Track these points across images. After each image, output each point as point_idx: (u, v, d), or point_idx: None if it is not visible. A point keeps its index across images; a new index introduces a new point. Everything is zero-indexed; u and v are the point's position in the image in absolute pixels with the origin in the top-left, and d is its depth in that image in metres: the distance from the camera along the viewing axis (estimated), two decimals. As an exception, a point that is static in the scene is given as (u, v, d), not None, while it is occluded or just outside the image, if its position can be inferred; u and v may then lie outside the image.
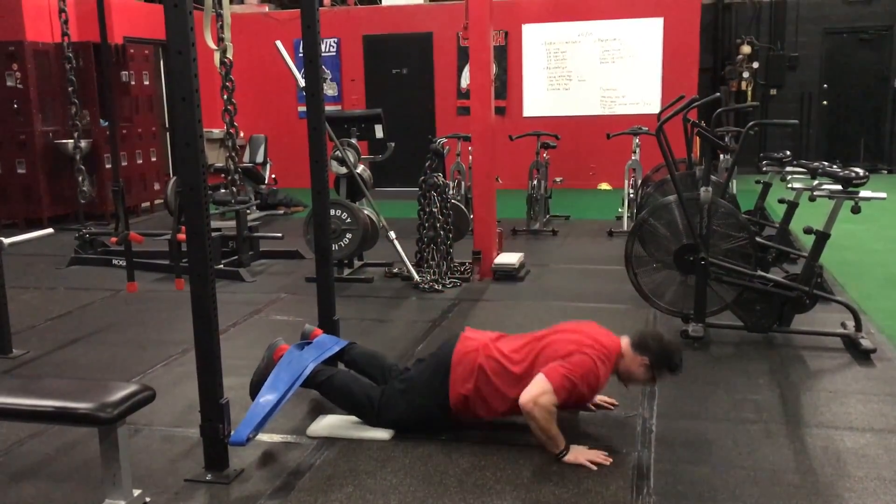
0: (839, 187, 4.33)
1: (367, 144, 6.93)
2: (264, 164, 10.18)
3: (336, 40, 11.88)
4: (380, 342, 4.57)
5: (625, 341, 3.30)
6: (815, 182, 4.77)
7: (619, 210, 8.40)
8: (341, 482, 2.98)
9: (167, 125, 11.02)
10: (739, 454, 3.17)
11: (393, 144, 6.77)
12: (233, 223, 6.82)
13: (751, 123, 5.18)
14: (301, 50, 4.08)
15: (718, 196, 4.80)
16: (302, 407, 3.66)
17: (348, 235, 6.12)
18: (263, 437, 3.31)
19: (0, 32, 8.99)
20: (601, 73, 11.25)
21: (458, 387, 3.27)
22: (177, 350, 4.55)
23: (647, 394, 3.76)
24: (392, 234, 6.15)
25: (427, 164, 6.20)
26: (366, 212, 6.29)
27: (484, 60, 6.03)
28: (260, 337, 4.70)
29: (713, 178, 4.81)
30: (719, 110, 5.89)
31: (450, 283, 6.03)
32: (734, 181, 6.95)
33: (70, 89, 6.88)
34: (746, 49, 12.18)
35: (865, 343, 4.29)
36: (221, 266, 6.42)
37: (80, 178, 7.17)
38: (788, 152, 6.16)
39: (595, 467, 3.04)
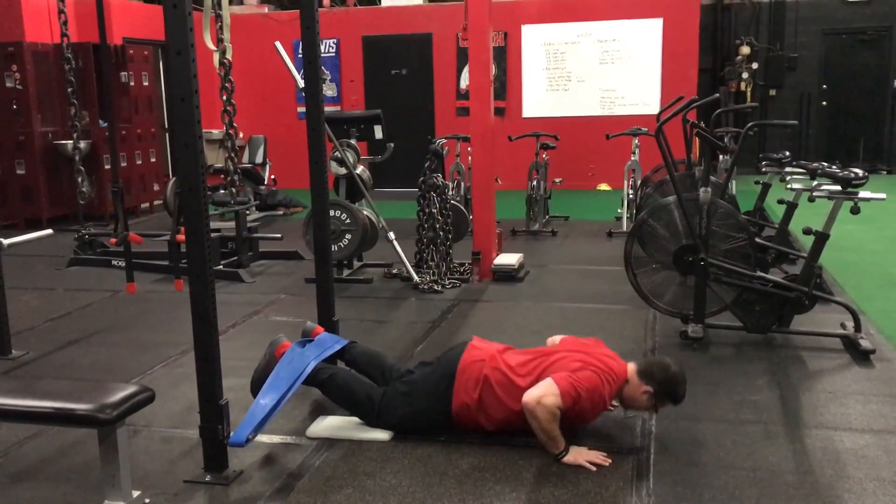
0: (838, 188, 4.33)
1: (367, 145, 6.92)
2: (264, 164, 10.18)
3: (335, 41, 11.88)
4: (379, 343, 4.57)
5: (631, 367, 3.30)
6: (815, 183, 4.78)
7: (619, 211, 8.40)
8: (341, 483, 2.98)
9: (166, 126, 11.02)
10: (738, 455, 3.17)
11: (392, 145, 6.77)
12: (232, 224, 6.82)
13: (750, 124, 5.18)
14: (300, 51, 4.08)
15: (718, 197, 4.80)
16: (301, 408, 3.66)
17: (348, 236, 6.12)
18: (263, 438, 3.31)
19: (-1, 33, 9.01)
20: (600, 73, 11.26)
21: (462, 395, 3.27)
22: (176, 351, 4.54)
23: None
24: (391, 235, 6.15)
25: (426, 164, 6.20)
26: (365, 212, 6.29)
27: (483, 61, 6.03)
28: (259, 338, 4.70)
29: (712, 178, 4.81)
30: (718, 111, 5.89)
31: (449, 283, 6.03)
32: (733, 182, 6.95)
33: (69, 90, 6.87)
34: (746, 50, 12.18)
35: (865, 344, 4.29)
36: (221, 267, 6.42)
37: (80, 179, 7.16)
38: (788, 153, 6.17)
39: (594, 468, 3.04)
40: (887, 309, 5.22)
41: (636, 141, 8.50)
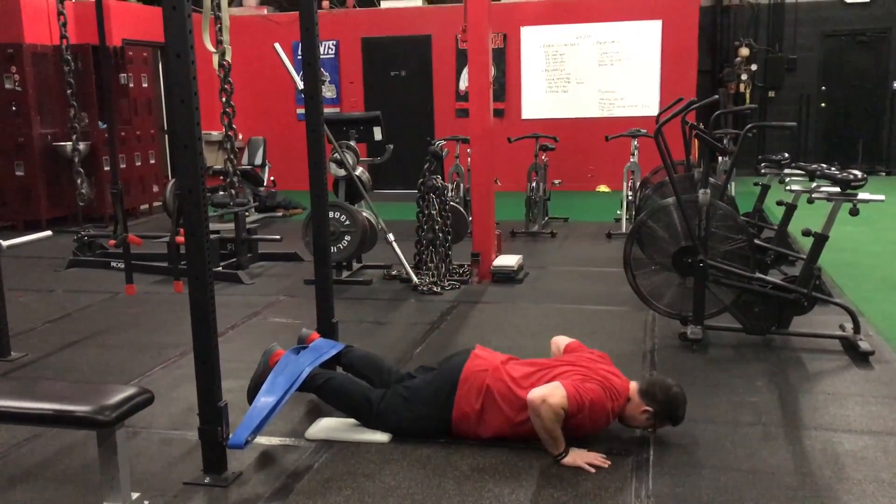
0: (837, 189, 4.33)
1: (366, 147, 6.92)
2: (263, 166, 10.18)
3: (335, 43, 11.88)
4: (378, 344, 4.57)
5: (633, 386, 3.29)
6: (814, 184, 4.77)
7: (618, 212, 8.41)
8: (340, 484, 2.98)
9: (165, 127, 11.02)
10: (738, 456, 3.17)
11: (392, 147, 6.76)
12: (231, 225, 6.82)
13: (749, 126, 5.18)
14: (300, 52, 4.08)
15: (717, 198, 4.81)
16: (300, 409, 3.66)
17: (347, 238, 6.11)
18: (262, 439, 3.31)
19: (-1, 35, 9.01)
20: (600, 75, 11.26)
21: (464, 404, 3.26)
22: (175, 352, 4.54)
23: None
24: (391, 237, 6.15)
25: (426, 166, 6.20)
26: (364, 214, 6.29)
27: (482, 63, 6.04)
28: (259, 339, 4.70)
29: (711, 180, 4.81)
30: (717, 112, 5.90)
31: (448, 285, 6.03)
32: (733, 183, 6.95)
33: (69, 92, 6.88)
34: (745, 51, 12.19)
35: (864, 345, 4.29)
36: (220, 268, 6.42)
37: (79, 181, 7.17)
38: (787, 154, 6.17)
39: (594, 470, 3.04)
40: (886, 310, 5.22)
41: (635, 142, 8.50)
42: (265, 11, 12.38)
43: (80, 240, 7.14)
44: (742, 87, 12.17)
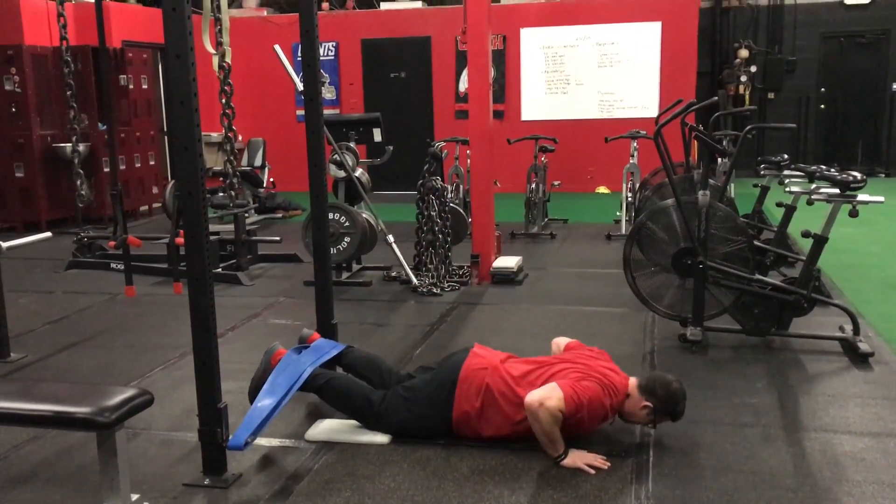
0: (837, 191, 4.33)
1: (366, 148, 6.92)
2: (263, 167, 10.18)
3: (335, 44, 11.89)
4: (378, 346, 4.57)
5: (632, 382, 3.29)
6: (813, 186, 4.78)
7: (618, 213, 8.40)
8: (339, 486, 2.98)
9: (165, 129, 11.02)
10: (737, 458, 3.17)
11: (391, 148, 6.76)
12: (231, 227, 6.82)
13: (748, 127, 5.19)
14: (299, 54, 4.08)
15: (716, 199, 4.81)
16: (300, 411, 3.66)
17: (347, 239, 6.11)
18: (262, 441, 3.31)
19: (-2, 36, 9.01)
20: (599, 76, 11.26)
21: (464, 403, 3.26)
22: (175, 354, 4.54)
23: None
24: (390, 238, 6.16)
25: (425, 167, 6.20)
26: (364, 215, 6.29)
27: (482, 64, 6.04)
28: (258, 341, 4.70)
29: (711, 181, 4.82)
30: (717, 114, 5.92)
31: (448, 286, 6.03)
32: (732, 185, 6.95)
33: (68, 93, 6.88)
34: (744, 53, 12.20)
35: (863, 347, 4.29)
36: (220, 270, 6.42)
37: (79, 182, 7.17)
38: (786, 156, 6.17)
39: (593, 471, 3.04)
40: (886, 312, 5.22)
41: (635, 144, 8.50)
42: (265, 13, 12.38)
43: (79, 241, 7.14)
44: (741, 88, 12.18)
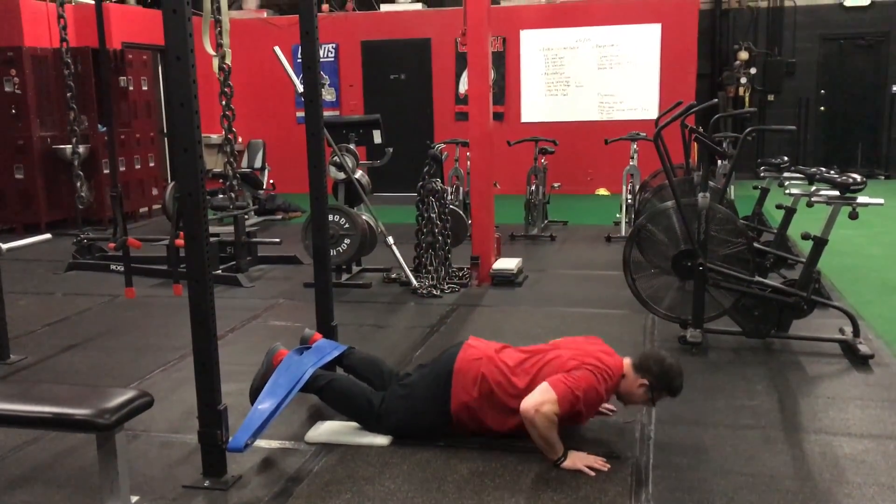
0: (837, 193, 4.33)
1: (366, 150, 6.92)
2: (262, 169, 10.18)
3: (334, 46, 11.89)
4: (378, 348, 4.56)
5: (627, 361, 3.30)
6: (813, 188, 4.78)
7: (617, 215, 8.41)
8: (339, 488, 2.98)
9: (165, 131, 11.03)
10: (737, 460, 3.17)
11: (391, 150, 6.77)
12: (231, 228, 6.82)
13: (748, 129, 5.19)
14: (300, 55, 4.08)
15: (716, 201, 4.81)
16: (300, 413, 3.66)
17: (346, 241, 6.11)
18: (261, 443, 3.31)
19: (-2, 38, 9.01)
20: (599, 78, 11.27)
21: (461, 394, 3.27)
22: (175, 356, 4.54)
23: (646, 399, 3.77)
24: (390, 240, 6.15)
25: (425, 169, 6.20)
26: (364, 217, 6.29)
27: (482, 66, 6.04)
28: (258, 342, 4.70)
29: (711, 183, 4.82)
30: (717, 116, 5.92)
31: (448, 288, 6.02)
32: (732, 187, 6.95)
33: (68, 94, 6.89)
34: (744, 55, 12.21)
35: (863, 349, 4.29)
36: (219, 271, 6.42)
37: (79, 184, 7.17)
38: (786, 158, 6.17)
39: (593, 473, 3.04)
40: (886, 314, 5.22)
41: (635, 146, 8.50)
42: (265, 15, 12.39)
43: (79, 243, 7.14)
44: (741, 90, 12.19)
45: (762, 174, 6.08)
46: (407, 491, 2.95)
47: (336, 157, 6.27)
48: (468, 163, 6.52)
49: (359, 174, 6.48)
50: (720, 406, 3.72)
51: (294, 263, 6.98)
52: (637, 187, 7.98)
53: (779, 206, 5.56)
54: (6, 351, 4.54)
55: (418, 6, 11.94)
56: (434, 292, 5.91)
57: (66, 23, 6.55)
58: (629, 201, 8.07)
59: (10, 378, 4.29)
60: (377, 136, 6.59)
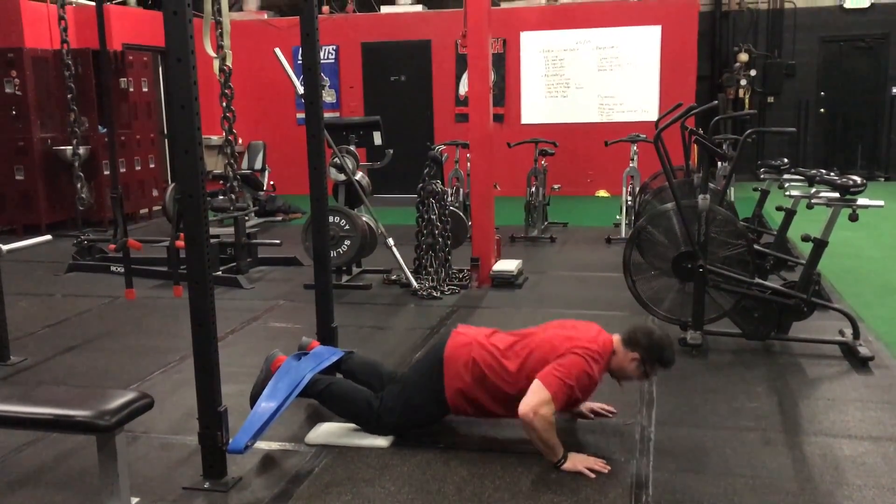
0: (837, 195, 4.33)
1: (366, 151, 6.93)
2: (263, 170, 10.18)
3: (335, 47, 11.90)
4: (378, 349, 4.57)
5: (616, 338, 3.30)
6: (813, 190, 4.78)
7: (617, 217, 8.41)
8: (339, 490, 2.98)
9: (165, 132, 11.03)
10: (738, 462, 3.17)
11: (391, 151, 6.77)
12: (231, 230, 6.82)
13: (748, 131, 5.19)
14: (300, 57, 4.09)
15: (716, 203, 4.81)
16: (300, 414, 3.66)
17: (347, 242, 6.12)
18: (262, 444, 3.31)
19: (-1, 39, 9.02)
20: (599, 80, 11.28)
21: (454, 381, 3.28)
22: (175, 357, 4.54)
23: (646, 401, 3.77)
24: (390, 241, 6.16)
25: (425, 171, 6.20)
26: (364, 219, 6.29)
27: (482, 68, 6.05)
28: (258, 344, 4.70)
29: (711, 185, 4.82)
30: (717, 118, 5.92)
31: (448, 290, 6.03)
32: (732, 188, 6.95)
33: (69, 96, 6.89)
34: (744, 57, 12.22)
35: (863, 351, 4.29)
36: (220, 273, 6.42)
37: (79, 185, 7.18)
38: (786, 160, 6.17)
39: (593, 475, 3.04)
40: (886, 316, 5.22)
41: (635, 147, 8.50)
42: (265, 16, 12.39)
43: (79, 244, 7.14)
44: (741, 92, 12.19)
45: (762, 176, 6.08)
46: (407, 493, 2.95)
47: (336, 159, 6.28)
48: (468, 164, 6.52)
49: (359, 176, 6.49)
50: (720, 408, 3.72)
51: (294, 265, 6.98)
52: (637, 189, 7.98)
53: (779, 208, 5.56)
54: (6, 352, 4.54)
55: (418, 8, 11.95)
56: (434, 294, 5.91)
57: (66, 24, 6.56)
58: (629, 203, 8.07)
59: (10, 379, 4.29)
60: (377, 138, 6.59)
